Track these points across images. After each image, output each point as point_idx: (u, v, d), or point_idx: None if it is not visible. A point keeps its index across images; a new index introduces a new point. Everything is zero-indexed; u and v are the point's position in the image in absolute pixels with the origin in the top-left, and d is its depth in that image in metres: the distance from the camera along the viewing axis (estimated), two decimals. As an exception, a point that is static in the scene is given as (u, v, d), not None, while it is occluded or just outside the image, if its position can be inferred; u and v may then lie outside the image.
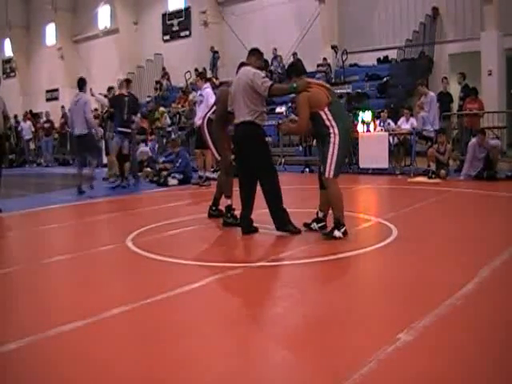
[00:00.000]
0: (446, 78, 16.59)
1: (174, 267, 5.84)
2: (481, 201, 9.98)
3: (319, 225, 7.16)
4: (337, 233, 6.66)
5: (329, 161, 6.70)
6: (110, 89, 15.54)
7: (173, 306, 4.61)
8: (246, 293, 5.04)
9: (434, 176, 12.67)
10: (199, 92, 13.07)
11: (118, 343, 3.87)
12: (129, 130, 13.79)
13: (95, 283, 5.52)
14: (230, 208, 7.94)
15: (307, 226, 7.21)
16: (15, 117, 26.49)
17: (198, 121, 12.10)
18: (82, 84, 12.81)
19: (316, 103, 6.72)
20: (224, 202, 8.04)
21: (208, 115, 8.73)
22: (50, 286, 5.48)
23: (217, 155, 8.35)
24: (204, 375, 3.28)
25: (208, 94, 12.34)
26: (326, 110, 6.70)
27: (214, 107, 8.55)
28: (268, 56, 23.62)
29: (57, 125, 25.81)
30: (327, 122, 6.70)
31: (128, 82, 15.09)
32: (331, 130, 6.68)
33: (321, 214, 7.18)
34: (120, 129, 13.67)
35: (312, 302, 4.74)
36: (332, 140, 6.68)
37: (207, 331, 4.01)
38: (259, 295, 5.01)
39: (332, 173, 6.70)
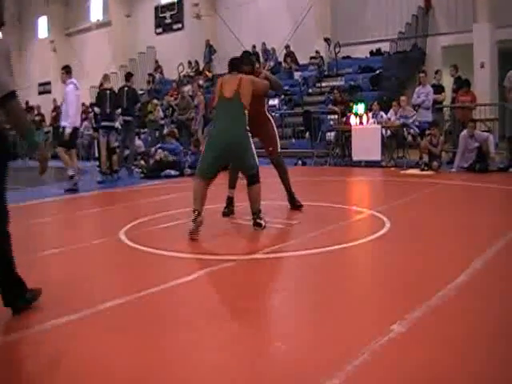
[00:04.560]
0: (438, 70, 16.62)
1: (167, 260, 5.84)
2: (473, 193, 10.01)
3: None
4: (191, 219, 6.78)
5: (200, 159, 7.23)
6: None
7: (166, 299, 4.61)
8: (238, 285, 5.04)
9: (426, 168, 12.70)
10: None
11: (111, 336, 3.86)
12: (113, 124, 14.01)
13: (88, 276, 5.51)
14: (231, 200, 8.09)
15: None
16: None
17: (64, 122, 11.97)
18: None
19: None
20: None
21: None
22: (43, 280, 5.45)
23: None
24: (198, 368, 3.29)
25: (70, 91, 11.95)
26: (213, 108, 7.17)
27: None
28: (260, 49, 23.71)
29: (48, 118, 25.74)
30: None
31: (129, 75, 15.22)
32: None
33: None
34: (104, 123, 13.82)
35: (305, 293, 4.75)
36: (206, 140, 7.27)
37: (201, 324, 4.01)
38: (252, 288, 5.00)
39: (197, 170, 7.15)
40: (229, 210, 8.01)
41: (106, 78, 14.45)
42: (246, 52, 8.19)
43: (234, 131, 6.90)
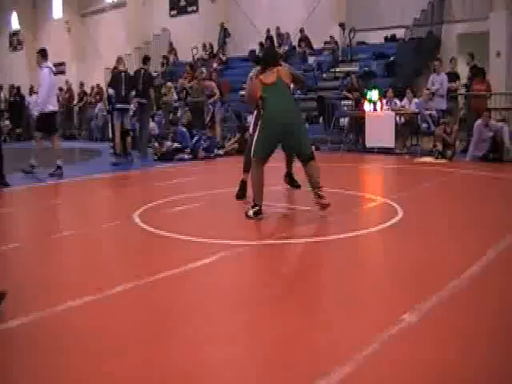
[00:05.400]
0: (454, 58, 16.54)
1: (181, 244, 5.87)
2: (486, 183, 9.98)
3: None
4: (250, 212, 6.91)
5: (254, 142, 7.28)
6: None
7: (179, 284, 4.65)
8: (251, 271, 5.11)
9: (440, 156, 12.68)
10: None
11: (125, 319, 3.93)
12: (127, 106, 14.06)
13: (103, 259, 5.59)
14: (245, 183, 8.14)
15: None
16: (18, 90, 26.41)
17: (40, 106, 11.71)
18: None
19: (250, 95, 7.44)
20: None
21: None
22: (58, 262, 5.53)
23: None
24: (212, 355, 3.34)
25: (44, 75, 11.70)
26: (259, 103, 7.18)
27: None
28: (274, 33, 23.62)
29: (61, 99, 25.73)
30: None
31: (146, 59, 15.26)
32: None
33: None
34: (119, 105, 13.84)
35: (316, 281, 4.81)
36: (260, 124, 7.20)
37: (213, 310, 4.06)
38: (264, 274, 5.07)
39: (252, 153, 7.18)
40: (242, 193, 8.07)
41: (119, 60, 14.46)
42: (271, 48, 8.40)
43: (288, 110, 7.02)
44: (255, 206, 6.88)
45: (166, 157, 13.97)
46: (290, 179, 8.65)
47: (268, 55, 7.61)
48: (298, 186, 8.57)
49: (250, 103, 7.90)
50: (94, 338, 3.57)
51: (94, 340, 3.54)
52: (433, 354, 3.23)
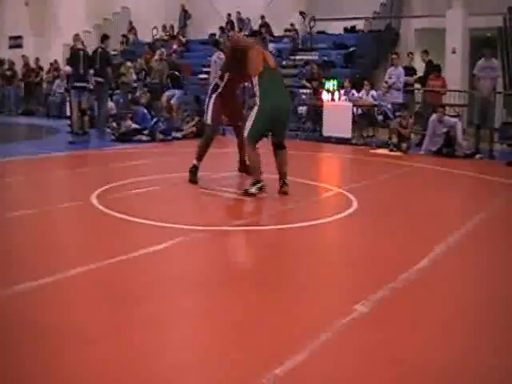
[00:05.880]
0: (411, 53, 16.82)
1: (138, 227, 5.90)
2: (439, 177, 10.24)
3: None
4: (252, 189, 7.32)
5: (248, 123, 7.54)
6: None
7: (136, 267, 4.69)
8: (209, 256, 5.19)
9: (395, 149, 12.92)
10: None
11: (80, 303, 3.98)
12: (85, 85, 13.84)
13: (58, 241, 5.59)
14: (195, 167, 8.17)
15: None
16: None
17: None
18: None
19: (250, 65, 7.56)
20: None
21: (214, 82, 8.51)
22: (11, 243, 5.45)
23: (207, 121, 8.37)
24: (169, 336, 3.44)
25: None
26: (255, 78, 7.51)
27: (219, 72, 8.48)
28: (234, 18, 23.62)
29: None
30: (255, 91, 7.59)
31: (104, 37, 15.10)
32: (256, 100, 7.56)
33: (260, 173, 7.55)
34: (77, 84, 13.70)
35: (268, 270, 4.89)
36: (255, 107, 7.53)
37: (170, 292, 4.17)
38: (218, 260, 5.16)
39: (248, 134, 7.50)
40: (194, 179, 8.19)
41: (77, 38, 14.32)
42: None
43: (285, 98, 7.77)
44: (258, 182, 7.32)
45: (124, 137, 13.90)
46: (243, 166, 8.71)
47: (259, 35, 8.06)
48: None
49: (242, 73, 7.89)
50: (49, 323, 3.58)
51: (48, 326, 3.55)
52: (383, 345, 3.37)
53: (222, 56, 16.21)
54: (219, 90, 8.12)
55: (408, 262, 4.82)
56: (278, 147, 7.69)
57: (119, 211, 6.39)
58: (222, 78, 8.21)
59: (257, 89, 7.51)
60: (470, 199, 8.48)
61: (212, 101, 8.17)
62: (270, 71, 7.56)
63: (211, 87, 8.45)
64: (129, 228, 5.93)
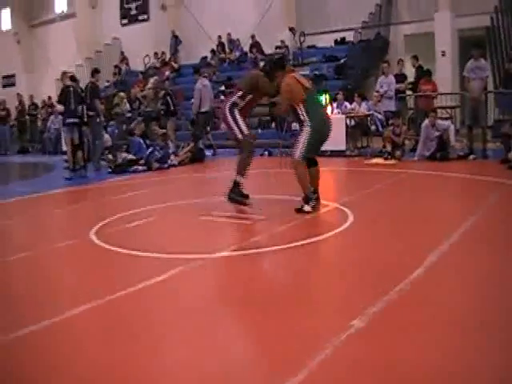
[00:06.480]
0: (401, 59, 16.93)
1: (139, 260, 5.93)
2: (434, 182, 10.30)
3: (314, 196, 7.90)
4: (306, 207, 7.63)
5: (299, 145, 7.69)
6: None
7: (139, 300, 4.72)
8: (205, 285, 5.22)
9: (389, 157, 12.99)
10: None
11: (85, 341, 3.99)
12: (76, 120, 13.87)
13: (59, 280, 5.61)
14: (238, 184, 8.00)
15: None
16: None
17: None
18: None
19: (292, 97, 7.68)
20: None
21: (233, 100, 8.22)
22: (13, 286, 5.50)
23: (240, 136, 8.30)
24: (170, 359, 3.47)
25: None
26: (300, 106, 7.67)
27: (240, 92, 8.26)
28: (225, 39, 23.80)
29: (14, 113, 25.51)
30: (301, 117, 7.73)
31: (95, 71, 15.23)
32: (305, 124, 7.70)
33: (311, 189, 7.85)
34: (69, 120, 13.77)
35: (267, 289, 4.95)
36: (304, 130, 7.70)
37: (172, 323, 4.18)
38: (218, 286, 5.23)
39: (299, 155, 7.68)
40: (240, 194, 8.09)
41: (64, 75, 14.45)
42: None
43: (328, 116, 8.21)
44: (310, 199, 7.65)
45: (121, 169, 13.99)
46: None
47: (282, 59, 8.37)
48: (246, 196, 8.18)
49: (286, 107, 7.97)
50: (55, 362, 3.62)
51: (54, 365, 3.58)
52: (382, 358, 3.40)
53: (206, 83, 16.37)
54: (238, 108, 8.10)
55: (404, 272, 4.85)
56: (314, 163, 7.93)
57: (119, 246, 6.41)
58: (243, 97, 8.16)
59: (302, 113, 7.69)
60: (463, 202, 8.55)
61: (236, 116, 8.06)
62: (310, 93, 7.78)
63: (228, 106, 8.16)
64: (129, 262, 5.95)
